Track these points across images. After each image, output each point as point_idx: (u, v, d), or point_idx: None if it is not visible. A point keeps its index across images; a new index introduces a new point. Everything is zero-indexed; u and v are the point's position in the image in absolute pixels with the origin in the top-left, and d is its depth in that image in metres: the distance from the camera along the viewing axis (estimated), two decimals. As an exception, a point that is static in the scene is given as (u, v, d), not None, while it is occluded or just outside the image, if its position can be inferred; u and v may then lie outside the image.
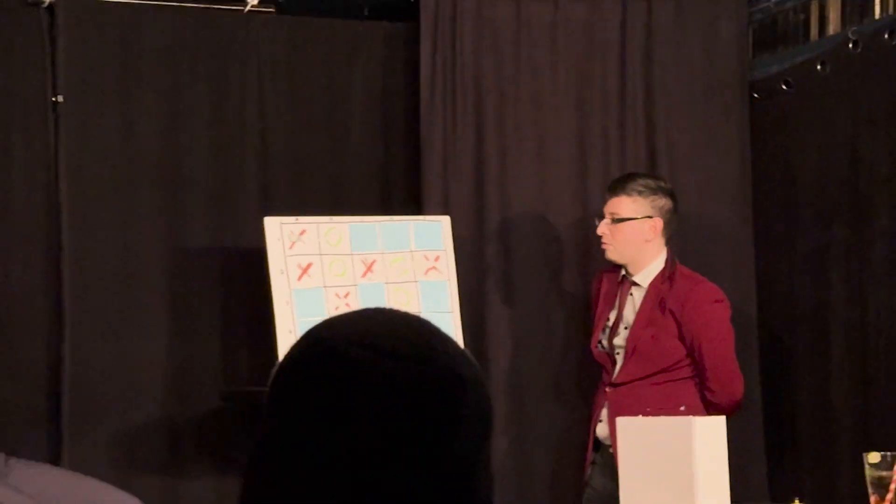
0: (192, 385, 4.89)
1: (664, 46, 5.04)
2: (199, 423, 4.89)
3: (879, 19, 4.59)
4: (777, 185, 5.03)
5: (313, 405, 1.16)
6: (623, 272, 4.47)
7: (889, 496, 3.20)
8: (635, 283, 4.44)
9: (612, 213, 4.41)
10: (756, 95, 5.09)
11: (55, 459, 4.57)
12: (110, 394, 4.77)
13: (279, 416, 1.19)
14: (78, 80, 4.80)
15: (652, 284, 4.40)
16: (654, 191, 4.42)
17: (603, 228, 4.42)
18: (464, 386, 1.17)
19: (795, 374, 4.94)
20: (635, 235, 4.39)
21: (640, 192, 4.40)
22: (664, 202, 4.42)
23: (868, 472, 3.25)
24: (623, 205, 4.41)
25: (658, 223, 4.40)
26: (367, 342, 1.16)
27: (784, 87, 4.96)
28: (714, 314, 4.37)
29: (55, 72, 4.76)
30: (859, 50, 4.58)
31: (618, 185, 4.46)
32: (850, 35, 4.64)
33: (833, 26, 4.82)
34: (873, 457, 3.24)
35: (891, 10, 4.55)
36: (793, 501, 3.94)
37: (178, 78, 4.94)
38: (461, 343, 4.53)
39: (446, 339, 1.21)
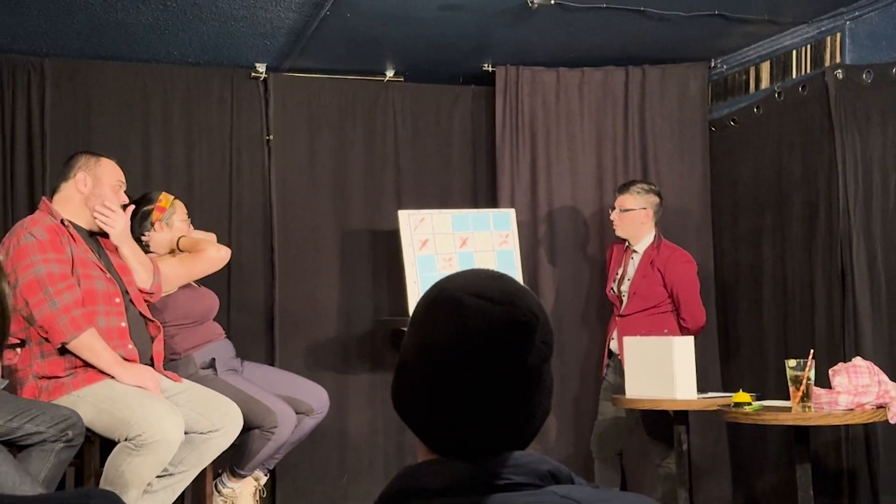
0: (354, 314, 4.93)
1: (653, 98, 4.99)
2: (359, 338, 4.95)
3: (795, 78, 4.54)
4: (726, 187, 4.97)
5: (439, 330, 1.14)
6: (627, 244, 4.45)
7: (801, 388, 3.28)
8: (635, 251, 4.41)
9: (620, 206, 4.39)
10: (713, 129, 5.02)
11: (270, 361, 4.70)
12: (304, 319, 4.84)
13: (417, 336, 1.17)
14: (281, 125, 4.88)
15: (646, 251, 4.37)
16: (648, 191, 4.40)
17: (614, 216, 4.41)
18: (536, 320, 1.14)
19: (739, 308, 4.89)
20: (635, 220, 4.37)
21: (638, 192, 4.38)
22: (654, 199, 4.40)
23: (788, 372, 3.33)
24: (627, 200, 4.37)
25: (650, 212, 4.37)
26: (474, 291, 1.14)
27: (732, 123, 4.91)
28: (686, 270, 4.35)
29: (268, 120, 4.87)
30: (782, 98, 4.55)
31: (624, 187, 4.45)
32: (775, 88, 4.62)
33: (764, 83, 4.77)
34: (791, 362, 3.33)
35: (803, 73, 4.50)
36: (738, 391, 4.05)
37: (343, 122, 4.99)
38: (521, 274, 4.68)
39: (524, 289, 1.19)
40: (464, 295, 1.14)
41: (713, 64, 5.08)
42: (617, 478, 4.51)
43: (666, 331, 4.26)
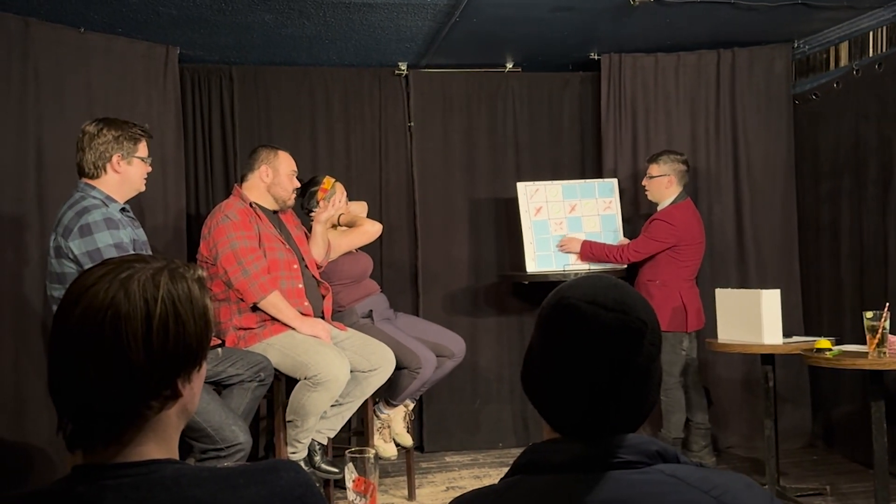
0: (482, 268, 4.92)
1: (742, 76, 4.78)
2: (486, 288, 4.93)
3: (871, 56, 4.26)
4: (809, 153, 4.76)
5: (560, 332, 1.11)
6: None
7: (878, 335, 3.18)
8: (658, 209, 4.29)
9: (648, 173, 4.30)
10: (796, 102, 4.80)
11: (415, 308, 4.79)
12: (441, 273, 4.86)
13: (542, 335, 1.14)
14: (420, 112, 4.87)
15: (662, 209, 4.24)
16: (673, 160, 4.24)
17: (644, 181, 4.33)
18: (645, 326, 1.10)
19: (819, 261, 4.69)
20: (660, 185, 4.25)
21: (664, 161, 4.24)
22: (679, 167, 4.23)
23: (865, 322, 3.22)
24: (654, 168, 4.27)
25: (673, 179, 4.22)
26: (590, 299, 1.10)
27: (814, 97, 4.67)
28: (657, 226, 4.17)
29: (409, 109, 4.87)
30: (859, 75, 4.31)
31: (653, 157, 4.33)
32: (853, 66, 4.37)
33: (843, 61, 4.50)
34: (868, 314, 3.22)
35: (879, 52, 4.21)
36: (818, 333, 3.85)
37: (471, 108, 4.94)
38: (622, 236, 4.39)
39: (636, 297, 1.13)
40: (581, 302, 1.11)
41: (796, 45, 4.81)
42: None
43: (658, 282, 4.16)
